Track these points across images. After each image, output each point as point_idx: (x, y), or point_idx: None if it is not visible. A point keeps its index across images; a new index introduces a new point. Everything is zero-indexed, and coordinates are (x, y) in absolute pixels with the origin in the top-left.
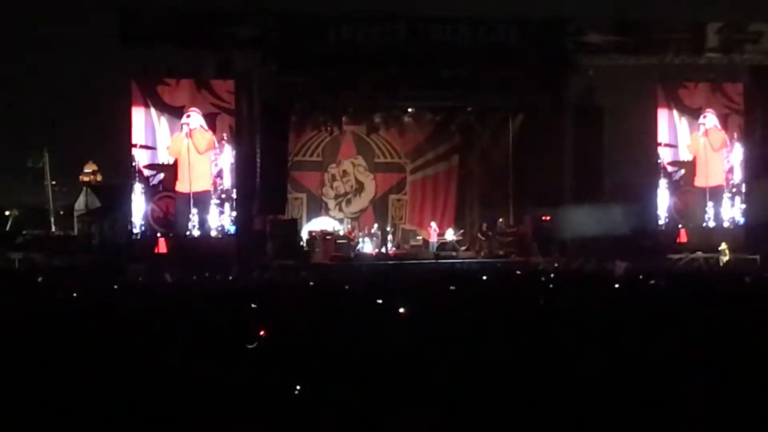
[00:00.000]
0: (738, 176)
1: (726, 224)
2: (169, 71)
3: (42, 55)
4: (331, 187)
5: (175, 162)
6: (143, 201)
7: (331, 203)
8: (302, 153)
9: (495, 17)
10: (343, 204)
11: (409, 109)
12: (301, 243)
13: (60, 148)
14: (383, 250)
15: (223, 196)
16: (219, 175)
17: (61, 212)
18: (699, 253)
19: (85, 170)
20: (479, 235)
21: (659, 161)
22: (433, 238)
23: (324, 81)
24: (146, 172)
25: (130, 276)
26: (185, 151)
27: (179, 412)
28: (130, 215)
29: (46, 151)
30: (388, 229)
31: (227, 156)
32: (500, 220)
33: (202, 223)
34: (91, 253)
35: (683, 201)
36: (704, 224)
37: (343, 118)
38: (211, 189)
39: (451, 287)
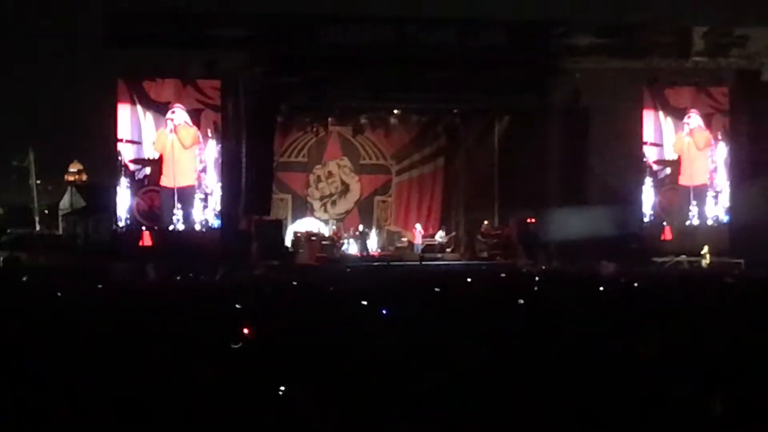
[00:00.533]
0: (722, 175)
1: (710, 222)
2: (155, 71)
3: (28, 55)
4: (317, 188)
5: (160, 157)
6: (129, 195)
7: (317, 204)
8: (288, 154)
9: (482, 19)
10: (329, 205)
11: (395, 111)
12: (286, 244)
13: (45, 147)
14: (368, 251)
15: (207, 190)
16: (203, 169)
17: (46, 211)
18: (683, 257)
19: (71, 169)
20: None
21: (644, 160)
22: (418, 240)
23: (310, 82)
24: (132, 167)
25: (114, 275)
26: (170, 146)
27: (162, 411)
28: (115, 214)
29: (31, 149)
30: (374, 230)
31: (211, 151)
32: (485, 222)
33: (187, 217)
34: (76, 252)
35: (668, 199)
36: (688, 222)
37: (329, 120)
38: (195, 184)
39: (436, 289)
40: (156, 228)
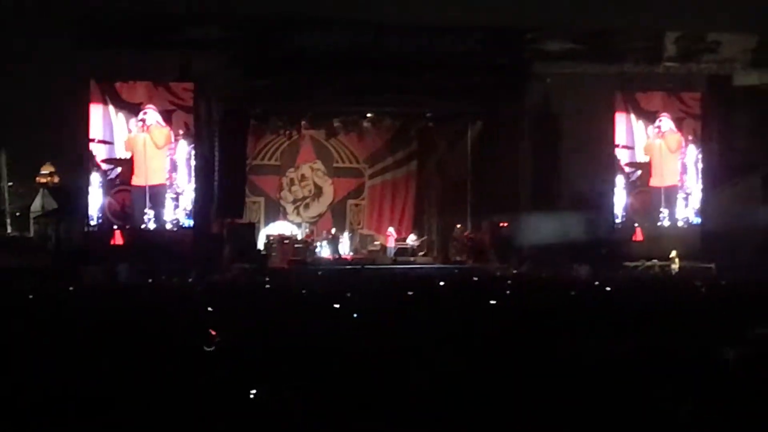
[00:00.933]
0: (692, 177)
1: (680, 224)
2: (128, 73)
3: None
4: (290, 191)
5: (132, 156)
6: (101, 194)
7: (290, 207)
8: (261, 157)
9: (455, 24)
10: (301, 208)
11: (368, 114)
12: (259, 247)
13: (17, 149)
14: (340, 254)
15: (179, 190)
16: (174, 169)
17: (18, 214)
18: (655, 261)
19: (42, 171)
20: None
21: (616, 163)
22: (391, 244)
23: (284, 85)
24: (104, 167)
25: (86, 278)
26: (141, 145)
27: (134, 415)
28: (87, 215)
29: (2, 151)
30: (347, 234)
31: (183, 151)
32: (458, 226)
33: (158, 216)
34: (48, 254)
35: (639, 201)
36: (659, 223)
37: (302, 123)
38: (167, 183)
39: (409, 292)
40: (128, 227)
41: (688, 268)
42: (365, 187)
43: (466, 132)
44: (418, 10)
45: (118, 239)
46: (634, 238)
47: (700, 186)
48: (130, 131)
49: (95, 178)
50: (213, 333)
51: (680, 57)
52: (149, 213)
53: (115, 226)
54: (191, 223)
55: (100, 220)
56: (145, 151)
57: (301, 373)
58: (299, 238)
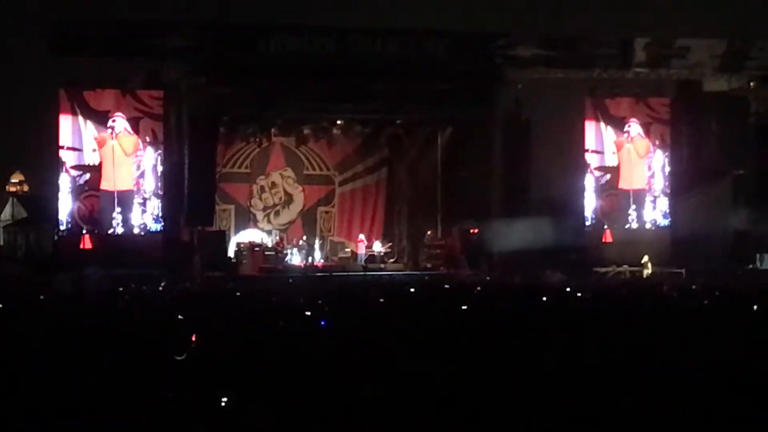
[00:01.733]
0: (659, 181)
1: (648, 226)
2: (98, 81)
3: None
4: (260, 198)
5: (101, 162)
6: (70, 200)
7: (260, 215)
8: (231, 164)
9: (424, 30)
10: (272, 216)
11: (338, 121)
12: (229, 254)
13: None
14: (310, 261)
15: (146, 195)
16: (141, 175)
17: None
18: (625, 267)
19: (12, 180)
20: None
21: (586, 167)
22: (362, 251)
23: (253, 92)
24: (73, 173)
25: (56, 286)
26: (110, 152)
27: (105, 424)
28: (57, 223)
29: None
30: (317, 241)
31: (150, 158)
32: (428, 232)
33: (126, 221)
34: (18, 263)
35: (608, 204)
36: (628, 225)
37: (272, 130)
38: (134, 189)
39: (380, 299)
40: (96, 231)
41: (658, 274)
42: (335, 194)
43: (436, 138)
44: (388, 16)
45: (87, 243)
46: (603, 240)
47: (669, 189)
48: (98, 138)
49: (65, 184)
50: (184, 341)
51: (650, 63)
52: (117, 218)
53: (84, 231)
54: (159, 227)
55: (69, 225)
56: (113, 158)
57: (273, 380)
58: (270, 245)
